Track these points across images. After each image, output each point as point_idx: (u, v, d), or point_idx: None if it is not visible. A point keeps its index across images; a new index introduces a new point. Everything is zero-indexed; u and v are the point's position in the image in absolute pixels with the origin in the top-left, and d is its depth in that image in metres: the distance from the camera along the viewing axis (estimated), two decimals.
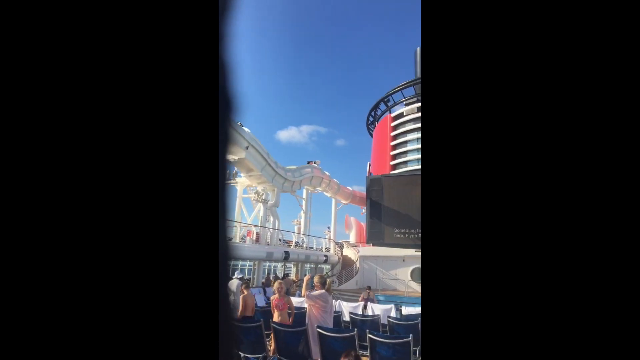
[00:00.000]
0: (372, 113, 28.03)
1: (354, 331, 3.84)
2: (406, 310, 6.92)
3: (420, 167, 20.65)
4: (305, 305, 4.54)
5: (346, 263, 20.44)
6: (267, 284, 10.78)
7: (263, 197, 14.66)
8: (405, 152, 23.33)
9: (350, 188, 24.25)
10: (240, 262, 14.53)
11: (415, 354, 3.92)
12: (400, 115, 24.55)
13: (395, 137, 24.11)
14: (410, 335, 3.78)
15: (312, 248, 19.72)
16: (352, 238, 25.40)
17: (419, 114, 23.18)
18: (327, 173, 21.53)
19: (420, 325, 5.27)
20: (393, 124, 24.50)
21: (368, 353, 3.87)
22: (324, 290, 4.27)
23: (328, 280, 4.60)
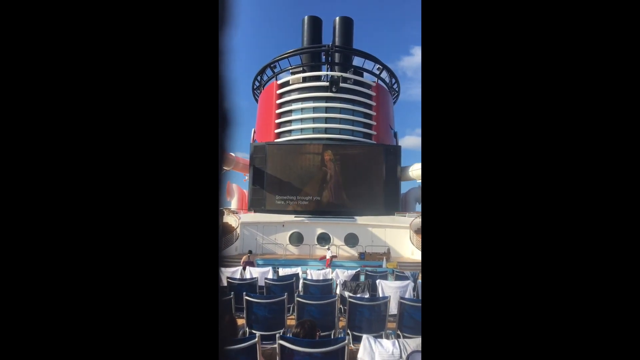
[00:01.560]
0: (258, 78, 27.23)
1: (230, 295, 3.86)
2: (283, 271, 7.28)
3: (303, 136, 21.26)
4: None
5: (227, 230, 20.13)
6: None
7: None
8: (290, 121, 23.61)
9: (233, 154, 23.53)
10: None
11: (289, 311, 4.18)
12: (287, 84, 24.49)
13: (280, 105, 24.07)
14: (285, 293, 4.01)
15: None
16: (234, 205, 25.03)
17: (305, 84, 23.60)
18: None
19: (294, 283, 5.64)
20: (279, 91, 24.32)
21: (244, 315, 3.96)
22: None
23: None
